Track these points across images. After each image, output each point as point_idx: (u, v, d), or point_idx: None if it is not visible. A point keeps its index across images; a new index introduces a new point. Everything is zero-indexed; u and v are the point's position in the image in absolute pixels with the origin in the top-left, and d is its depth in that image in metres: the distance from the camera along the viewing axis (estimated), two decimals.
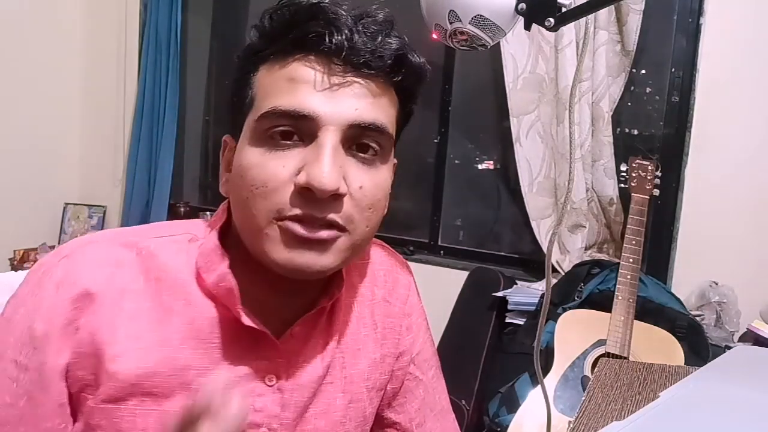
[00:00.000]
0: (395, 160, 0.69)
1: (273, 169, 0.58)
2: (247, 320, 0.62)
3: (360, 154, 0.60)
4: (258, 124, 0.59)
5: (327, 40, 0.57)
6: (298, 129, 0.58)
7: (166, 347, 0.61)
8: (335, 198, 0.58)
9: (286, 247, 0.58)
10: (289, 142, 0.58)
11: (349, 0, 0.61)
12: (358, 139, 0.60)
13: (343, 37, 0.57)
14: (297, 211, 0.57)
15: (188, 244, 0.66)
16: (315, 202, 0.57)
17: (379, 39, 0.59)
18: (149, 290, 0.62)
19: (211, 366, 0.62)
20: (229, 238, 0.65)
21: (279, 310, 0.65)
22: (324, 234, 0.58)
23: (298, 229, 0.57)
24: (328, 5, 0.58)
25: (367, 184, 0.60)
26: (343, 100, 0.58)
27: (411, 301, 0.79)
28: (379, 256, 0.79)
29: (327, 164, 0.56)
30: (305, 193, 0.57)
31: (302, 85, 0.58)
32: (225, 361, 0.63)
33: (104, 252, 0.63)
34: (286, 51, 0.59)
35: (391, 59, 0.60)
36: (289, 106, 0.57)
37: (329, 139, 0.57)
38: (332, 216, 0.58)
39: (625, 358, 1.55)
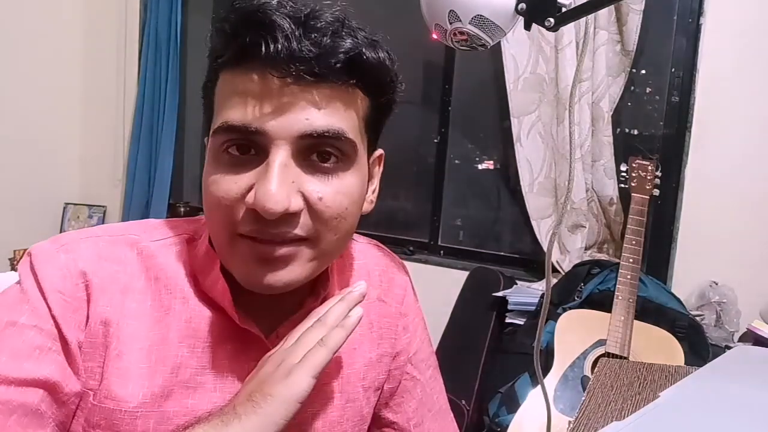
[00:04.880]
0: (381, 152, 0.68)
1: (226, 186, 0.57)
2: (242, 322, 0.62)
3: (321, 164, 0.58)
4: (214, 139, 0.58)
5: (263, 50, 0.53)
6: (251, 142, 0.57)
7: (165, 346, 0.62)
8: (289, 215, 0.56)
9: (248, 263, 0.58)
10: (245, 156, 0.57)
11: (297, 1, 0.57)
12: (317, 148, 0.57)
13: (281, 46, 0.53)
14: (248, 229, 0.57)
15: (186, 246, 0.66)
16: (267, 221, 0.56)
17: (326, 42, 0.55)
18: (149, 289, 0.63)
19: (207, 365, 0.63)
20: None
21: (268, 310, 0.66)
22: (283, 251, 0.58)
23: (257, 247, 0.57)
24: (268, 10, 0.54)
25: (327, 195, 0.58)
26: (292, 112, 0.55)
27: (407, 301, 0.79)
28: (375, 257, 0.79)
29: (274, 184, 0.54)
30: (256, 212, 0.56)
31: (248, 99, 0.55)
32: (220, 360, 0.63)
33: (106, 248, 0.63)
34: (234, 62, 0.57)
35: (341, 62, 0.55)
36: (237, 122, 0.56)
37: (278, 155, 0.55)
38: (289, 231, 0.57)
39: (625, 358, 1.55)
